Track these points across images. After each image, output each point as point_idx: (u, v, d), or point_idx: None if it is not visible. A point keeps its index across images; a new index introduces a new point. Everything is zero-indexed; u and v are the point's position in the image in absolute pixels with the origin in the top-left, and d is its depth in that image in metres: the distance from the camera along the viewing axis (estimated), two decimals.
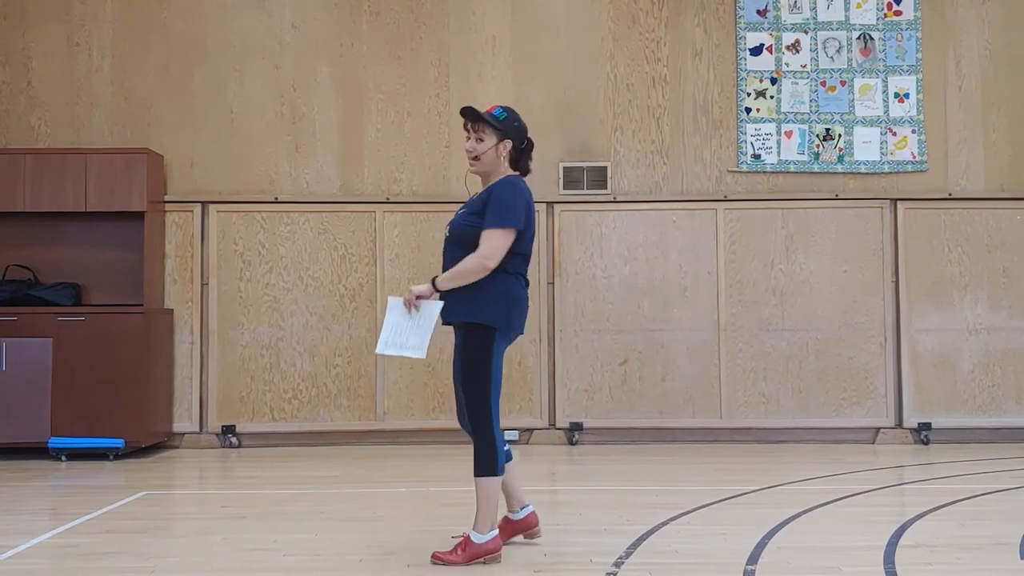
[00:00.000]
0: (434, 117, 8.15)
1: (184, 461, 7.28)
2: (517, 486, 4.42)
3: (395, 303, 4.24)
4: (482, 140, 4.27)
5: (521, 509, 4.44)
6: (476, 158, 4.30)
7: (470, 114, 4.30)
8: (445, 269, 4.24)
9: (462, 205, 4.42)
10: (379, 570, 4.05)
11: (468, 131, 4.32)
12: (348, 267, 8.02)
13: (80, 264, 7.84)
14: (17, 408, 7.18)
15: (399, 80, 8.15)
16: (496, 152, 4.28)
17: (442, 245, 4.37)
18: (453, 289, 4.17)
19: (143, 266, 7.62)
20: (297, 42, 8.16)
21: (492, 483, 4.13)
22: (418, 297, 4.22)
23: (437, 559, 4.12)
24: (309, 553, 4.35)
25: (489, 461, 4.11)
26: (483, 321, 4.16)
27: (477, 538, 4.11)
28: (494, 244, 4.12)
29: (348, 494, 5.88)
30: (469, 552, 4.10)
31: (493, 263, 4.12)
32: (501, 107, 4.36)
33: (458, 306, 4.19)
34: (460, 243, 4.22)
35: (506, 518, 4.44)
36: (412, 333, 4.22)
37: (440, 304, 4.21)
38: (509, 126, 4.29)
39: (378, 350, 4.27)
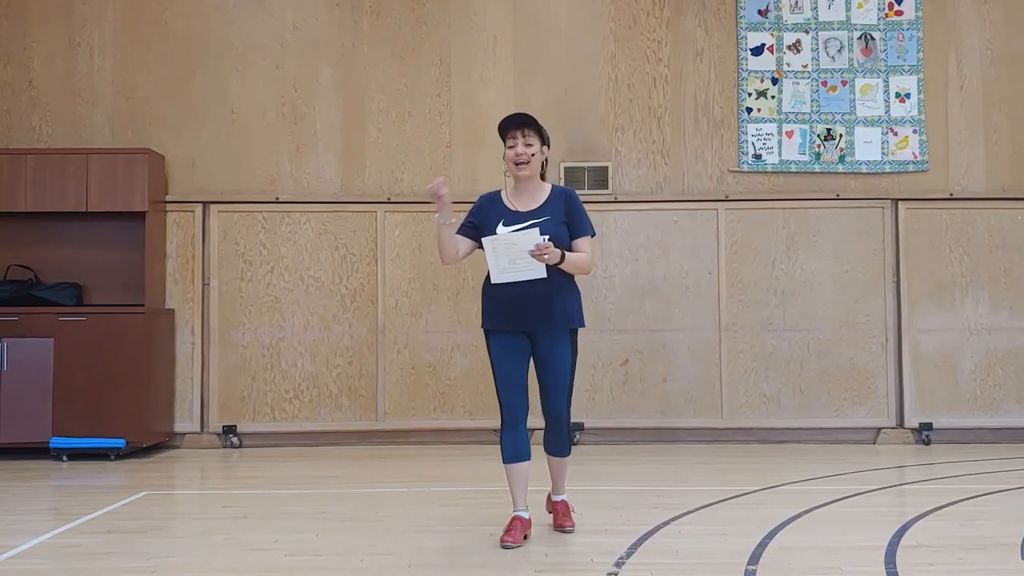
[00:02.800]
0: (435, 117, 8.15)
1: (185, 461, 7.28)
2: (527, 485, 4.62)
3: (497, 241, 4.35)
4: (531, 145, 4.49)
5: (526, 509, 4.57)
6: (526, 162, 4.48)
7: (523, 119, 4.49)
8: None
9: (497, 215, 4.51)
10: (380, 570, 4.05)
11: (516, 137, 4.49)
12: (349, 267, 8.02)
13: (81, 264, 7.84)
14: (18, 408, 7.19)
15: (400, 80, 8.16)
16: (540, 157, 4.54)
17: None
18: (565, 296, 4.47)
19: (144, 266, 7.63)
20: (298, 42, 8.16)
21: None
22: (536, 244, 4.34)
23: (570, 525, 4.68)
24: (310, 553, 4.36)
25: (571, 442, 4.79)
26: (583, 324, 4.61)
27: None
28: (593, 251, 4.58)
29: (349, 494, 5.88)
30: (571, 509, 4.82)
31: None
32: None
33: (574, 312, 4.52)
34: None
35: (520, 517, 4.50)
36: (523, 260, 4.32)
37: (536, 231, 4.33)
38: (545, 133, 4.57)
39: (496, 280, 4.39)
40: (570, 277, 4.51)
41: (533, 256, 4.26)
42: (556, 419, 4.59)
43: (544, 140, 4.57)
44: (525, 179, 4.53)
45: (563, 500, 4.76)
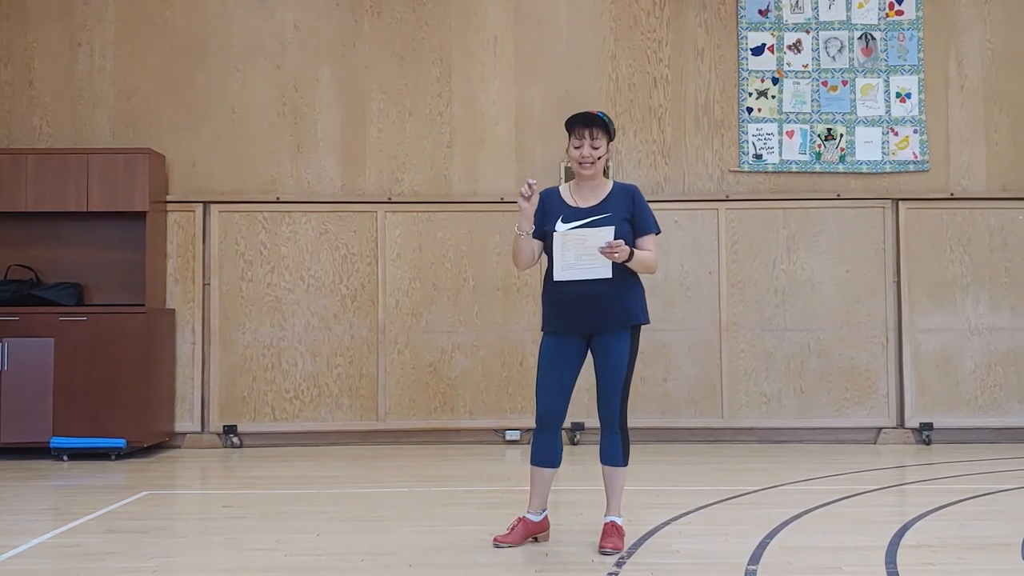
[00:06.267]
0: (436, 117, 8.15)
1: (186, 461, 7.29)
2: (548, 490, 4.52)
3: (567, 238, 4.24)
4: (597, 148, 4.34)
5: (541, 512, 4.50)
6: (592, 163, 4.34)
7: (591, 118, 4.33)
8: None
9: (559, 212, 4.38)
10: (380, 570, 4.05)
11: (583, 137, 4.34)
12: (350, 267, 8.02)
13: (82, 264, 7.84)
14: (19, 408, 7.19)
15: (401, 80, 8.16)
16: (606, 156, 4.40)
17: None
18: (628, 293, 4.34)
19: (145, 266, 7.62)
20: (299, 42, 8.16)
21: (626, 472, 4.45)
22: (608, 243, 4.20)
23: (615, 548, 4.25)
24: (311, 553, 4.36)
25: (629, 452, 4.44)
26: (647, 321, 4.49)
27: (622, 521, 4.43)
28: (657, 249, 4.44)
29: (349, 494, 5.89)
30: (622, 533, 4.38)
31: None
32: (600, 112, 4.42)
33: (637, 308, 4.40)
34: None
35: (526, 519, 4.47)
36: (589, 257, 4.21)
37: (611, 229, 4.21)
38: (612, 128, 4.42)
39: (559, 277, 4.27)
40: (633, 274, 4.37)
41: (603, 253, 4.14)
42: (607, 420, 4.41)
43: (611, 136, 4.41)
44: (588, 178, 4.40)
45: (612, 521, 4.38)
